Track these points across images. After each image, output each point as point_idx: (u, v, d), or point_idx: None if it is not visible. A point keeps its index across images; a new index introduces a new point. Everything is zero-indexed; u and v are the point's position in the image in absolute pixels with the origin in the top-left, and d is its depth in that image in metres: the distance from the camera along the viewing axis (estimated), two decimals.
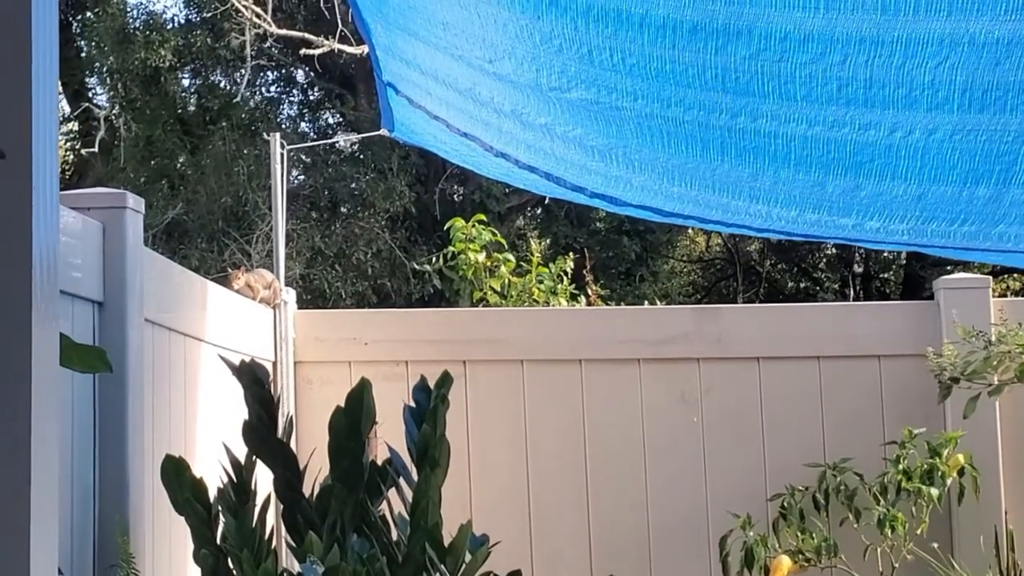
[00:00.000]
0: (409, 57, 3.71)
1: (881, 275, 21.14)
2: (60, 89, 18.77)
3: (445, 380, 4.73)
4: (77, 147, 19.18)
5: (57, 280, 1.87)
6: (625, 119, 3.32)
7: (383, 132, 4.42)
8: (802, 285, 21.66)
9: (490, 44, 3.22)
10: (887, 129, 2.99)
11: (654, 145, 3.41)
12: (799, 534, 6.27)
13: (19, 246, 1.79)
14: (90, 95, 18.95)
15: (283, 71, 19.01)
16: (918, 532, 6.21)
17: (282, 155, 6.85)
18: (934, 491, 6.16)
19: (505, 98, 3.54)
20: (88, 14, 17.96)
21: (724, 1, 2.70)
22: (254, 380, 4.62)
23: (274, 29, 15.03)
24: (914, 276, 18.89)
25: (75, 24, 18.79)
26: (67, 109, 19.18)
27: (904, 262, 19.35)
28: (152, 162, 17.20)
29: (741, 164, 3.37)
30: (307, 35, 15.02)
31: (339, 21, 14.25)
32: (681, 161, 3.44)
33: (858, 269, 20.82)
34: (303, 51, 15.03)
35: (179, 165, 17.31)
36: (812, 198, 3.54)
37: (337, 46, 14.43)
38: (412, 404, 4.82)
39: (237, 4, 14.79)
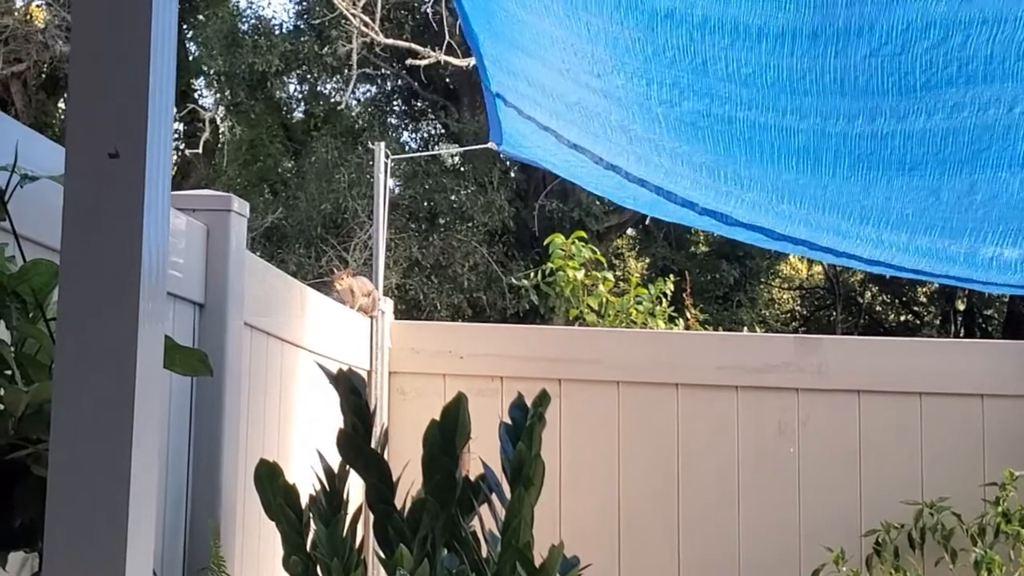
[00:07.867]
0: (517, 69, 3.67)
1: (984, 311, 20.84)
2: None
3: (543, 399, 4.66)
4: (182, 147, 19.43)
5: (164, 281, 1.85)
6: (734, 136, 3.26)
7: (491, 145, 4.38)
8: (903, 318, 21.41)
9: (598, 59, 3.17)
10: (1006, 105, 2.89)
11: (763, 161, 3.34)
12: (893, 572, 6.16)
13: (130, 246, 1.77)
14: (196, 96, 19.15)
15: (388, 80, 19.08)
16: None
17: (386, 164, 6.83)
18: None
19: (612, 113, 3.50)
20: (199, 16, 18.16)
21: (845, 2, 2.63)
22: (351, 389, 4.59)
23: (381, 38, 15.09)
24: (1017, 314, 18.60)
25: (186, 26, 19.02)
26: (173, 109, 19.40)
27: (1007, 299, 19.06)
28: (254, 165, 17.36)
29: (853, 176, 3.29)
30: (413, 45, 15.09)
31: (446, 33, 14.30)
32: (791, 177, 3.37)
33: (960, 306, 20.53)
34: (409, 61, 15.08)
35: (281, 170, 17.44)
36: (925, 216, 3.46)
37: (443, 57, 14.48)
38: (508, 421, 4.76)
39: (345, 12, 14.88)
